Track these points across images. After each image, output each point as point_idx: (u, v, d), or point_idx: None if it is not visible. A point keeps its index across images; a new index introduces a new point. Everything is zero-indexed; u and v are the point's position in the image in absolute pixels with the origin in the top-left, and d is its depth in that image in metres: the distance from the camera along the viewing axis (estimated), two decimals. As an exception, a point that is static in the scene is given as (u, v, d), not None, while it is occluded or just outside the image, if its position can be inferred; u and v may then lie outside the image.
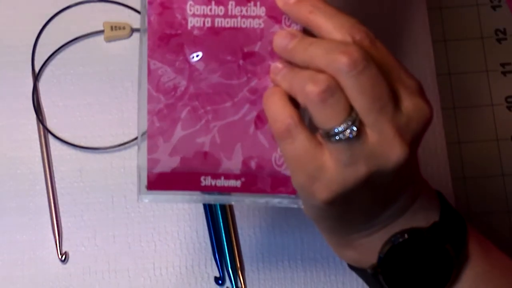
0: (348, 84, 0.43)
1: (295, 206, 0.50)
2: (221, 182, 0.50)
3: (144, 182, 0.51)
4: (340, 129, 0.43)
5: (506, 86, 0.71)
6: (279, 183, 0.50)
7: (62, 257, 0.67)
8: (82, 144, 0.70)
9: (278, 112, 0.46)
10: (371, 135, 0.44)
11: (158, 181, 0.51)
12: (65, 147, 0.70)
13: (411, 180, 0.48)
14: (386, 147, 0.44)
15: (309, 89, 0.44)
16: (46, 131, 0.70)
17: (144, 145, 0.50)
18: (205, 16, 0.48)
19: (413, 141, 0.45)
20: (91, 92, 0.71)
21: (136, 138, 0.69)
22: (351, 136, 0.43)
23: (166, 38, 0.49)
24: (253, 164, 0.50)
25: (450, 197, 0.67)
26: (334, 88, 0.43)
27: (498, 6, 0.73)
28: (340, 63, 0.43)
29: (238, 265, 0.66)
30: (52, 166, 0.69)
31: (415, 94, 0.45)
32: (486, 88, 0.71)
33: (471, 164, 0.69)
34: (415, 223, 0.49)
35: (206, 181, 0.51)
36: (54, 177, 0.69)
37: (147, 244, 0.67)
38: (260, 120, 0.49)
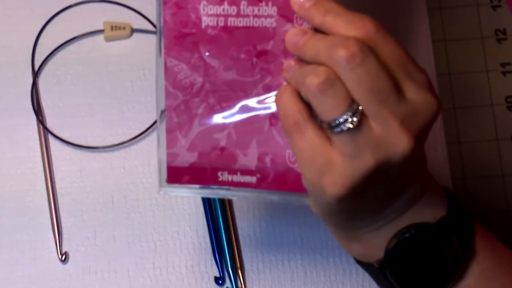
0: (346, 77, 0.44)
1: (307, 204, 0.50)
2: (238, 178, 0.51)
3: (164, 175, 0.52)
4: (341, 120, 0.44)
5: (506, 86, 0.71)
6: (292, 181, 0.50)
7: (62, 257, 0.67)
8: (82, 144, 0.70)
9: (288, 108, 0.47)
10: (375, 126, 0.44)
11: (177, 175, 0.52)
12: (65, 147, 0.70)
13: (418, 173, 0.49)
14: (392, 138, 0.44)
15: (309, 81, 0.44)
16: (46, 131, 0.70)
17: (163, 137, 0.51)
18: (218, 15, 0.49)
19: (420, 134, 0.45)
20: (91, 92, 0.71)
21: (136, 137, 0.70)
22: (352, 126, 0.44)
23: (182, 36, 0.50)
24: (267, 160, 0.51)
25: (450, 197, 0.68)
26: (334, 79, 0.44)
27: (498, 6, 0.73)
28: (338, 56, 0.44)
29: (238, 265, 0.66)
30: (52, 166, 0.69)
31: (422, 88, 0.45)
32: (486, 88, 0.71)
33: (471, 164, 0.69)
34: (422, 218, 0.49)
35: (223, 176, 0.51)
36: (54, 177, 0.69)
37: (147, 244, 0.67)
38: (275, 117, 0.50)
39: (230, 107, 0.50)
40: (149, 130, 0.70)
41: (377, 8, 0.73)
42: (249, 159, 0.51)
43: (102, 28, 0.72)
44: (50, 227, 0.67)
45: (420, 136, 0.45)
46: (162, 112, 0.51)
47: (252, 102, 0.50)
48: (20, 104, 0.71)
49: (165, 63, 0.50)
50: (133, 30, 0.73)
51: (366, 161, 0.44)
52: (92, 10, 0.73)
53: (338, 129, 0.44)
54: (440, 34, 0.72)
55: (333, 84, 0.44)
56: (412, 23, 0.73)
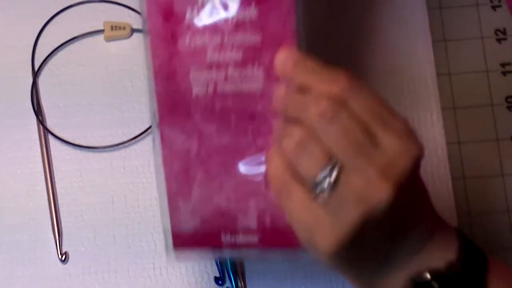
0: (321, 133, 0.45)
1: (310, 259, 0.51)
2: (240, 238, 0.52)
3: (170, 242, 0.53)
4: (320, 178, 0.45)
5: (506, 86, 0.71)
6: (293, 237, 0.51)
7: (62, 257, 0.67)
8: (82, 144, 0.70)
9: (274, 171, 0.48)
10: (354, 179, 0.44)
11: (183, 241, 0.53)
12: (65, 147, 0.70)
13: (419, 215, 0.49)
14: (371, 188, 0.44)
15: (285, 145, 0.46)
16: (46, 131, 0.70)
17: (165, 206, 0.52)
18: (207, 82, 0.50)
19: (402, 181, 0.45)
20: (91, 92, 0.71)
21: (136, 137, 0.70)
22: (331, 184, 0.45)
23: (174, 106, 0.51)
24: (267, 220, 0.52)
25: (450, 197, 0.67)
26: (307, 141, 0.45)
27: (498, 6, 0.73)
28: (311, 114, 0.45)
29: (238, 265, 0.66)
30: (52, 166, 0.69)
31: (400, 135, 0.45)
32: (486, 88, 0.71)
33: (471, 164, 0.69)
34: (432, 262, 0.49)
35: (226, 238, 0.52)
36: (54, 177, 0.69)
37: (147, 244, 0.67)
38: None
39: (227, 170, 0.51)
40: (149, 130, 0.70)
41: (377, 8, 0.73)
42: (249, 219, 0.52)
43: (102, 28, 0.72)
44: (50, 227, 0.67)
45: (403, 183, 0.45)
46: (163, 195, 0.52)
47: (247, 164, 0.51)
48: (20, 104, 0.71)
49: (161, 133, 0.52)
50: (133, 30, 0.73)
51: (351, 216, 0.45)
52: (92, 10, 0.73)
53: (319, 188, 0.45)
54: (440, 34, 0.72)
55: (307, 145, 0.45)
56: (412, 23, 0.73)
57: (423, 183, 0.49)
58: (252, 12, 0.49)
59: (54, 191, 0.68)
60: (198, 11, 0.49)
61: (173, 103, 0.51)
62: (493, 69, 0.71)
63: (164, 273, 0.66)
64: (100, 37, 0.73)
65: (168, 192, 0.52)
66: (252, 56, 0.49)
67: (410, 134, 0.46)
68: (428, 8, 0.73)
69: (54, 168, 0.69)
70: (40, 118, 0.70)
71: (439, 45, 0.72)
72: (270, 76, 0.49)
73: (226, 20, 0.49)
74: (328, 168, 0.45)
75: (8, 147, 0.70)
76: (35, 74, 0.71)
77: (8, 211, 0.68)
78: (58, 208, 0.68)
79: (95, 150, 0.70)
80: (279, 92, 0.49)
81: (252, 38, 0.49)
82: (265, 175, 0.51)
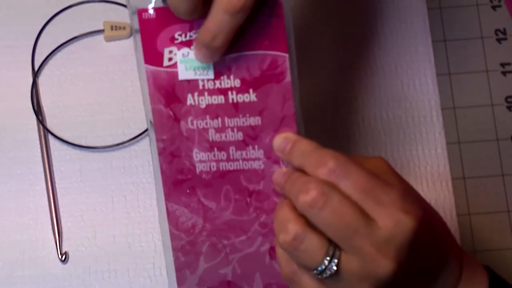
0: (314, 221, 0.45)
1: None
2: None
3: None
4: (321, 267, 0.45)
5: (506, 86, 0.71)
6: None
7: (62, 257, 0.67)
8: (82, 144, 0.70)
9: (281, 260, 0.49)
10: (354, 260, 0.45)
11: None
12: (65, 147, 0.70)
13: (441, 259, 0.49)
14: (371, 266, 0.45)
15: (281, 240, 0.47)
16: (46, 131, 0.70)
17: (172, 270, 0.55)
18: (210, 161, 0.52)
19: (402, 253, 0.45)
20: (91, 92, 0.71)
21: (136, 137, 0.70)
22: (332, 272, 0.45)
23: (179, 183, 0.52)
24: None
25: (450, 198, 0.67)
26: (303, 234, 0.46)
27: (498, 6, 0.73)
28: (301, 203, 0.46)
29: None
30: (52, 166, 0.69)
31: (394, 209, 0.45)
32: (486, 88, 0.71)
33: (471, 164, 0.69)
34: None
35: None
36: (54, 177, 0.69)
37: (147, 244, 0.67)
38: (274, 250, 0.52)
39: (231, 244, 0.53)
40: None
41: (377, 9, 0.73)
42: None
43: (102, 28, 0.72)
44: (50, 227, 0.67)
45: (402, 256, 0.45)
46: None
47: (251, 238, 0.53)
48: (20, 104, 0.71)
49: (167, 208, 0.53)
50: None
51: None
52: (92, 10, 0.73)
53: (324, 275, 0.46)
54: (440, 34, 0.72)
55: (303, 239, 0.46)
56: (412, 23, 0.73)
57: (441, 228, 0.49)
58: (251, 96, 0.50)
59: (54, 191, 0.68)
60: (199, 96, 0.51)
61: (178, 180, 0.52)
62: (493, 69, 0.71)
63: (164, 273, 0.66)
64: (100, 37, 0.73)
65: (175, 263, 0.54)
66: (253, 137, 0.51)
67: (403, 205, 0.46)
68: (428, 8, 0.73)
69: (54, 168, 0.69)
70: (40, 118, 0.70)
71: (439, 45, 0.72)
72: (270, 156, 0.51)
73: (226, 104, 0.50)
74: (328, 257, 0.45)
75: (8, 147, 0.70)
76: (35, 74, 0.71)
77: (8, 211, 0.68)
78: (58, 208, 0.68)
79: (95, 150, 0.70)
80: (276, 173, 0.50)
81: (251, 120, 0.51)
82: (270, 248, 0.52)
